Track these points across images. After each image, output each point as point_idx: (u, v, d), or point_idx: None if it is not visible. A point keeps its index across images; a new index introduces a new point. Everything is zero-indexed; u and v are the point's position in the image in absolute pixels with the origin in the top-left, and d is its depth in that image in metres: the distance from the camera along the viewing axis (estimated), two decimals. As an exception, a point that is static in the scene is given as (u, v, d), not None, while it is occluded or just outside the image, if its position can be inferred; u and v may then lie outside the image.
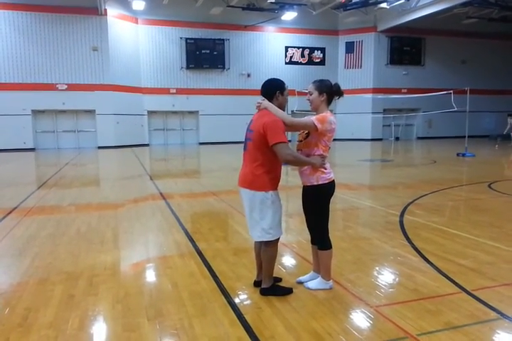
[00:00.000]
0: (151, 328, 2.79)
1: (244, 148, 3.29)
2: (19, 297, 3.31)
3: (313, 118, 3.17)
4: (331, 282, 3.40)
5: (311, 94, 3.32)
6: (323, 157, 3.22)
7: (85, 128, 22.96)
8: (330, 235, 3.40)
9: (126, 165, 14.90)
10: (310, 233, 3.49)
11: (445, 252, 4.25)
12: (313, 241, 3.50)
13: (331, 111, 3.36)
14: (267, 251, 3.25)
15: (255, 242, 3.42)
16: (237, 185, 3.34)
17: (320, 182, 3.25)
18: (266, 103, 3.19)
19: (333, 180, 3.33)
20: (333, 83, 3.35)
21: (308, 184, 3.28)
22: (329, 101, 3.33)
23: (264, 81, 3.30)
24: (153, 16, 23.46)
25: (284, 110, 3.26)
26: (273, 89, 3.23)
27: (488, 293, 3.23)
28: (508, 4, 21.69)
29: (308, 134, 3.25)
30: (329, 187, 3.30)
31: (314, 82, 3.36)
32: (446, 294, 3.24)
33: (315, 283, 3.41)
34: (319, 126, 3.14)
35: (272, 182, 3.20)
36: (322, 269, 3.41)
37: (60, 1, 20.76)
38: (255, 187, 3.15)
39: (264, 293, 3.28)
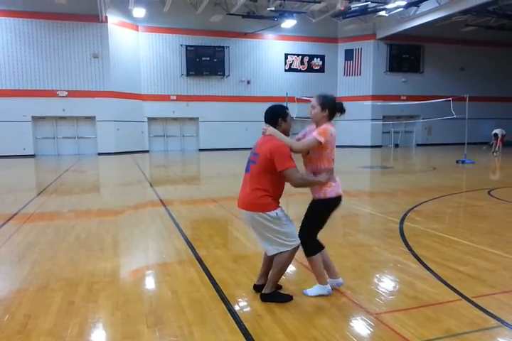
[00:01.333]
0: (150, 335, 2.78)
1: (247, 170, 3.30)
2: (19, 303, 3.30)
3: (314, 135, 3.17)
4: (328, 286, 3.40)
5: (313, 108, 3.32)
6: (329, 171, 3.24)
7: (85, 135, 23.00)
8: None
9: (126, 171, 14.91)
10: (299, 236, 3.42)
11: (445, 259, 4.25)
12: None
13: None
14: (283, 258, 3.23)
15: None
16: (237, 206, 3.31)
17: (327, 196, 3.27)
18: (271, 129, 3.21)
19: (341, 195, 3.34)
20: (336, 101, 3.36)
21: (316, 198, 3.31)
22: (331, 117, 3.34)
23: (266, 109, 3.32)
24: (154, 24, 23.61)
25: (288, 135, 3.27)
26: (275, 117, 3.26)
27: (488, 301, 3.23)
28: (505, 12, 21.84)
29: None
30: (335, 202, 3.32)
31: (318, 96, 3.35)
32: (446, 301, 3.23)
33: (313, 289, 3.41)
34: (322, 139, 3.14)
35: (275, 202, 3.22)
36: (315, 275, 3.41)
37: (61, 8, 20.90)
38: (262, 210, 3.15)
39: (265, 299, 3.28)
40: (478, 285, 3.57)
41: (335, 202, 3.31)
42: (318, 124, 3.33)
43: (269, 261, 3.41)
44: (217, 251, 4.69)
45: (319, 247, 3.42)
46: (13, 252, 4.76)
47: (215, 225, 6.29)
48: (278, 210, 3.20)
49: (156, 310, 3.15)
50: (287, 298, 3.30)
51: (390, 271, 4.00)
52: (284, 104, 3.35)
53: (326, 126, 3.23)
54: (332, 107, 3.31)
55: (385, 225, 5.90)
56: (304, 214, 3.44)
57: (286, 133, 3.26)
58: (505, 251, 4.49)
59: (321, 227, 3.39)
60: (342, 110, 3.37)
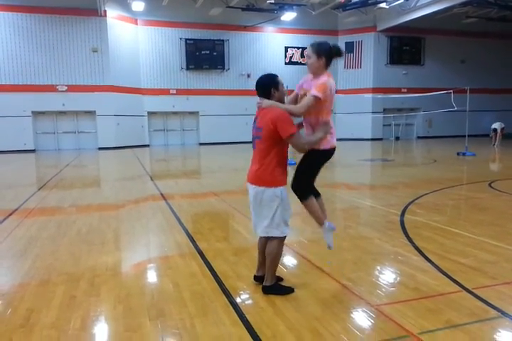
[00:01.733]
0: (152, 328, 2.80)
1: (254, 147, 3.28)
2: (21, 298, 3.32)
3: (313, 93, 3.11)
4: (326, 223, 3.54)
5: (309, 57, 3.25)
6: (325, 124, 3.24)
7: (86, 130, 22.99)
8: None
9: (126, 166, 14.90)
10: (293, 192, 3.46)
11: (446, 251, 4.25)
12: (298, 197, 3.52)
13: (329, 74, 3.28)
14: (273, 248, 3.25)
15: (260, 239, 3.44)
16: (245, 181, 3.34)
17: (321, 148, 3.30)
18: (266, 102, 3.17)
19: (335, 146, 3.36)
20: (331, 45, 3.28)
21: (311, 148, 3.29)
22: (328, 64, 3.25)
23: (256, 81, 3.26)
24: (153, 17, 23.48)
25: (283, 103, 3.24)
26: (267, 88, 3.20)
27: (489, 292, 3.23)
28: (507, 4, 21.69)
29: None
30: (329, 153, 3.36)
31: (312, 44, 3.27)
32: (447, 293, 3.24)
33: (325, 235, 3.61)
34: (322, 95, 3.10)
35: (281, 177, 3.21)
36: (314, 219, 3.54)
37: (59, 2, 20.78)
38: (266, 184, 3.16)
39: (267, 291, 3.29)
40: (479, 276, 3.57)
41: (329, 152, 3.35)
42: (315, 74, 3.26)
43: (262, 250, 3.44)
44: (218, 244, 4.70)
45: (312, 193, 3.47)
46: (15, 247, 4.77)
47: (216, 219, 6.30)
48: (282, 188, 3.20)
49: (158, 303, 3.16)
50: (288, 290, 3.32)
51: (390, 263, 4.01)
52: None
53: (324, 80, 3.16)
54: (328, 54, 3.22)
55: (385, 218, 5.90)
56: (297, 165, 3.49)
57: (281, 101, 3.22)
58: (506, 243, 4.50)
59: (314, 176, 3.44)
60: (339, 53, 3.28)
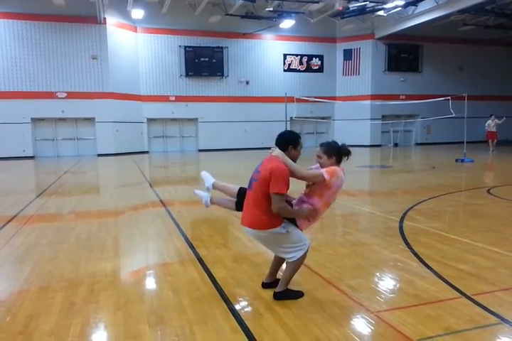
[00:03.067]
0: (152, 335, 2.79)
1: (249, 187, 3.32)
2: (20, 305, 3.31)
3: (323, 171, 3.22)
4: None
5: (320, 158, 3.37)
6: (314, 211, 3.25)
7: (85, 136, 23.00)
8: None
9: (125, 172, 14.91)
10: None
11: (445, 257, 4.26)
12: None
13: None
14: (300, 259, 3.27)
15: None
16: (241, 224, 3.34)
17: (297, 224, 3.30)
18: (278, 152, 3.20)
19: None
20: (340, 144, 3.40)
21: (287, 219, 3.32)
22: (339, 162, 3.39)
23: (280, 133, 3.33)
24: (153, 25, 23.61)
25: (295, 162, 3.28)
26: (287, 143, 3.25)
27: (488, 298, 3.24)
28: (503, 11, 21.87)
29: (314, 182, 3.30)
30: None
31: (322, 145, 3.41)
32: (446, 299, 3.25)
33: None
34: (328, 178, 3.18)
35: (277, 218, 3.21)
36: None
37: (59, 10, 20.89)
38: (268, 227, 3.17)
39: (278, 297, 3.30)
40: (478, 282, 3.58)
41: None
42: None
43: (278, 260, 3.48)
44: (218, 251, 4.70)
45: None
46: (14, 254, 4.76)
47: (216, 225, 6.30)
48: (283, 224, 3.20)
49: (158, 310, 3.16)
50: (299, 295, 3.34)
51: (390, 269, 4.01)
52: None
53: (337, 168, 3.27)
54: (337, 153, 3.36)
55: (384, 224, 5.91)
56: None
57: (294, 160, 3.26)
58: (505, 249, 4.51)
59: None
60: (347, 153, 3.41)
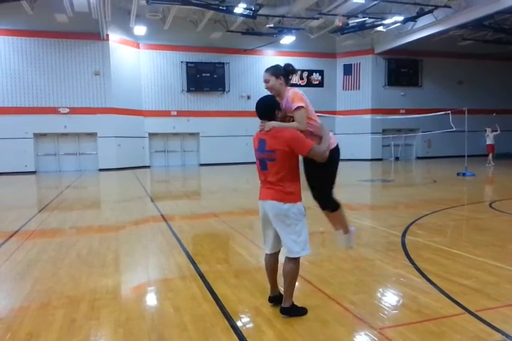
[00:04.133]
0: (153, 352, 2.76)
1: (263, 168, 3.23)
2: (20, 322, 3.29)
3: (294, 105, 3.25)
4: (352, 228, 3.85)
5: (267, 82, 3.38)
6: (322, 128, 3.38)
7: (87, 151, 23.09)
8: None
9: (127, 187, 14.92)
10: (318, 202, 3.65)
11: (447, 272, 4.23)
12: (322, 207, 3.68)
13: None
14: (291, 267, 3.21)
15: (267, 258, 3.41)
16: (260, 199, 3.30)
17: (332, 147, 3.40)
18: (269, 124, 3.18)
19: (338, 144, 3.51)
20: (284, 64, 3.47)
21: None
22: (287, 82, 3.41)
23: (256, 102, 3.30)
24: (155, 41, 23.92)
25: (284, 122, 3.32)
26: (272, 109, 3.23)
27: (492, 314, 3.21)
28: (501, 26, 22.13)
29: (292, 118, 3.32)
30: (337, 151, 3.50)
31: (267, 70, 3.43)
32: (450, 315, 3.21)
33: (343, 241, 3.83)
34: (303, 104, 3.25)
35: (300, 192, 3.22)
36: (340, 226, 3.74)
37: (63, 26, 21.21)
38: (289, 200, 3.13)
39: (286, 313, 3.26)
40: (481, 298, 3.55)
41: (336, 150, 3.49)
42: (280, 95, 3.37)
43: (271, 269, 3.41)
44: (219, 267, 4.68)
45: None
46: (15, 269, 4.75)
47: (217, 240, 6.28)
48: (301, 203, 3.21)
49: (159, 327, 3.14)
50: (303, 312, 3.30)
51: (392, 285, 3.98)
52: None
53: (292, 92, 3.32)
54: (284, 73, 3.40)
55: (386, 238, 5.89)
56: (307, 182, 3.57)
57: (283, 120, 3.29)
58: (508, 264, 4.48)
59: (334, 181, 3.60)
60: (294, 71, 3.46)
